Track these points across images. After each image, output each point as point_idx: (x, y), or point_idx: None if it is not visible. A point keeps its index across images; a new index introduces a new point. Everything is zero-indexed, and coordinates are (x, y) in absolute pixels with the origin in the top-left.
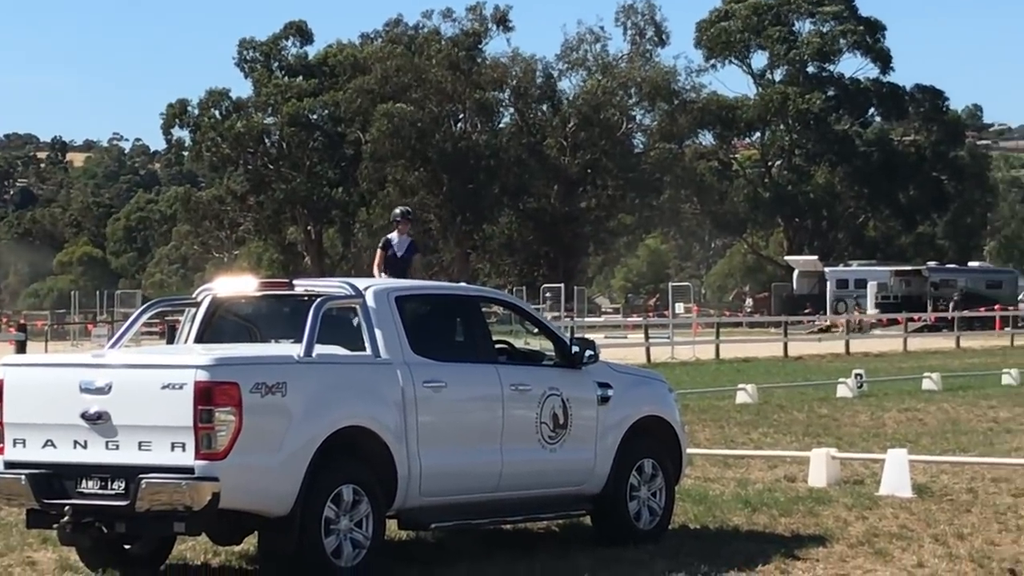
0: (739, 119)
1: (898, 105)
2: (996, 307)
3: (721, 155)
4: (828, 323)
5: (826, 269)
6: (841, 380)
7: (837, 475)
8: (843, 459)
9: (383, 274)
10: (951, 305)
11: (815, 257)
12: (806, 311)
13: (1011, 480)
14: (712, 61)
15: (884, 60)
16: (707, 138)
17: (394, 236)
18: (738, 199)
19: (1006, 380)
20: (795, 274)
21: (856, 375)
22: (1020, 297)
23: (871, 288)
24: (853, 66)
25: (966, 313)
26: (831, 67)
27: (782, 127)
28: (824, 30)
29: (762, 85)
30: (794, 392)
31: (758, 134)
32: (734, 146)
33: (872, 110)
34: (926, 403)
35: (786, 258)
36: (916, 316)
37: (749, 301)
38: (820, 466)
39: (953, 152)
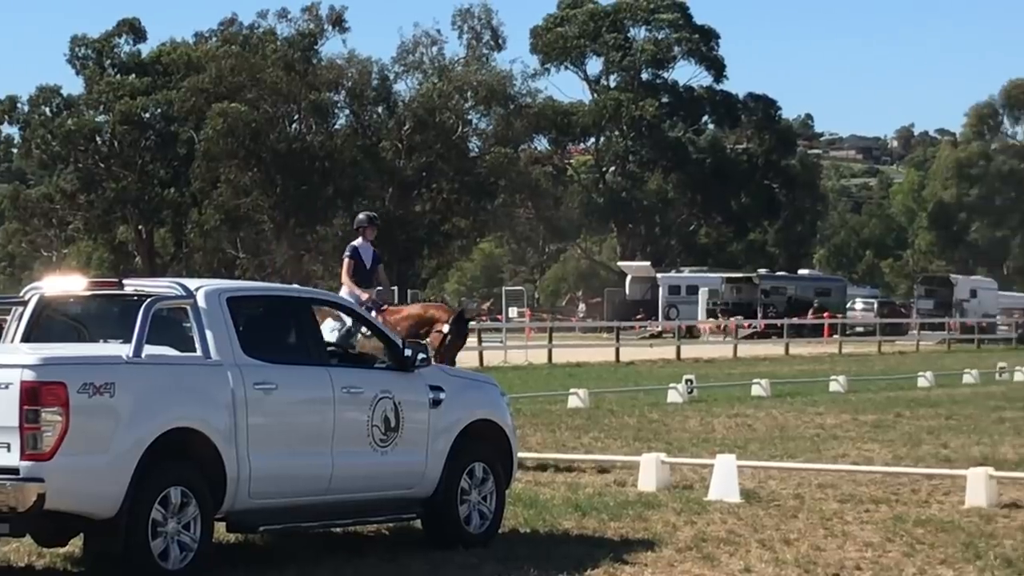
0: (574, 125)
1: (731, 113)
2: (825, 314)
3: (556, 160)
4: (660, 328)
5: (658, 275)
6: (672, 385)
7: (667, 480)
8: (673, 464)
9: (355, 286)
10: (809, 312)
11: (648, 263)
12: (638, 316)
13: (837, 486)
14: (547, 66)
15: (718, 68)
16: (542, 143)
17: (359, 243)
18: (572, 204)
19: (833, 387)
20: (628, 280)
21: (687, 381)
22: (848, 305)
23: (702, 294)
24: (687, 73)
25: (795, 320)
26: (665, 74)
27: (616, 133)
28: (659, 37)
29: (597, 91)
30: (625, 397)
31: (593, 140)
32: (569, 151)
33: (705, 117)
34: (755, 409)
35: (619, 264)
36: (747, 323)
37: (582, 306)
38: (650, 471)
39: (785, 161)
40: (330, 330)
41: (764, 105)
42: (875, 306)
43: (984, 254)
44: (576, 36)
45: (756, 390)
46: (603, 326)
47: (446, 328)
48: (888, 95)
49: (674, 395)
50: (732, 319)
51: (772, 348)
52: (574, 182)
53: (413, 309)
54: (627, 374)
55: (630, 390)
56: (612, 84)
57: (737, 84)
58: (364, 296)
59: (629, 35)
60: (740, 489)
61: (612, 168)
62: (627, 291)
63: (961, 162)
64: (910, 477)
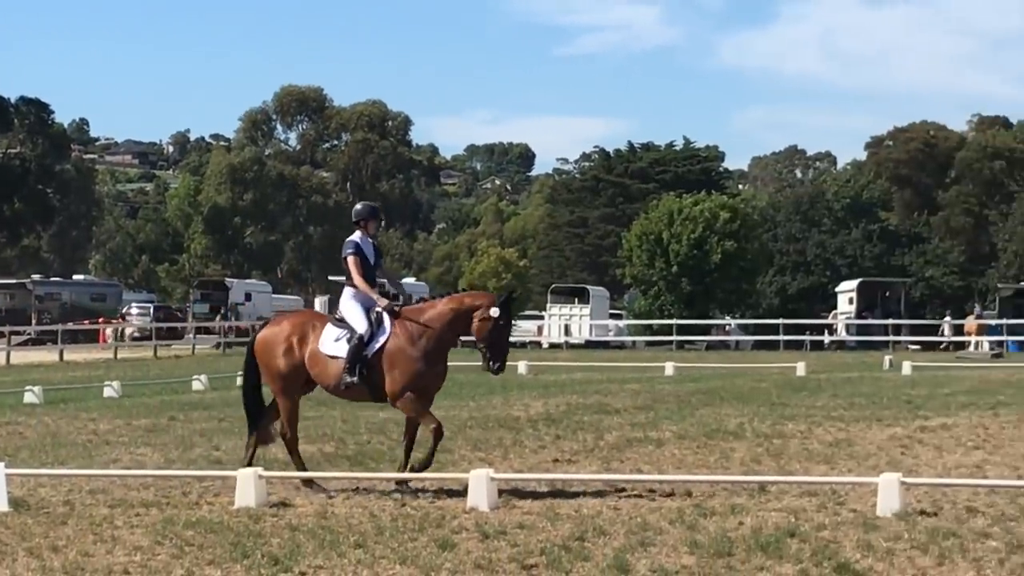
0: None
1: (3, 117)
2: (100, 320)
3: None
4: None
5: None
6: None
7: None
8: None
9: (369, 286)
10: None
11: None
12: None
13: (109, 491)
14: None
15: None
16: None
17: (359, 237)
18: None
19: (108, 392)
20: None
21: None
22: (124, 310)
23: None
24: None
25: (71, 326)
26: None
27: None
28: None
29: None
30: None
31: None
32: None
33: None
34: (27, 417)
35: None
36: (22, 329)
37: None
38: None
39: (59, 166)
40: (334, 339)
41: (36, 109)
42: (151, 311)
43: (258, 258)
44: None
45: (29, 397)
46: None
47: (495, 312)
48: (163, 100)
49: None
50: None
51: (47, 355)
52: None
53: (445, 304)
54: None
55: None
56: None
57: (8, 87)
58: (382, 303)
59: None
60: (9, 498)
61: None
62: None
63: (235, 167)
64: (181, 480)
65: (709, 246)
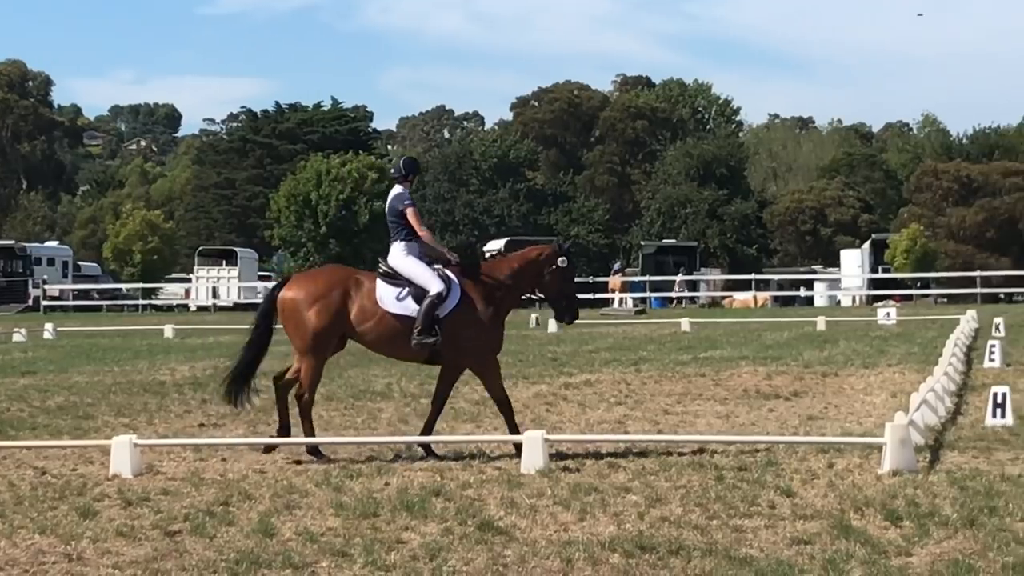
0: None
1: None
2: None
3: None
4: None
5: None
6: None
7: None
8: None
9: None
10: None
11: None
12: None
13: None
14: None
15: None
16: None
17: (404, 191)
18: None
19: None
20: None
21: None
22: None
23: None
24: None
25: None
26: None
27: None
28: None
29: None
30: None
31: None
32: None
33: None
34: None
35: None
36: None
37: None
38: None
39: None
40: (396, 296)
41: None
42: None
43: None
44: None
45: None
46: None
47: (563, 261)
48: None
49: None
50: None
51: None
52: None
53: (514, 261)
54: None
55: None
56: None
57: None
58: (454, 258)
59: None
60: None
61: None
62: None
63: None
64: None
65: (358, 207)
